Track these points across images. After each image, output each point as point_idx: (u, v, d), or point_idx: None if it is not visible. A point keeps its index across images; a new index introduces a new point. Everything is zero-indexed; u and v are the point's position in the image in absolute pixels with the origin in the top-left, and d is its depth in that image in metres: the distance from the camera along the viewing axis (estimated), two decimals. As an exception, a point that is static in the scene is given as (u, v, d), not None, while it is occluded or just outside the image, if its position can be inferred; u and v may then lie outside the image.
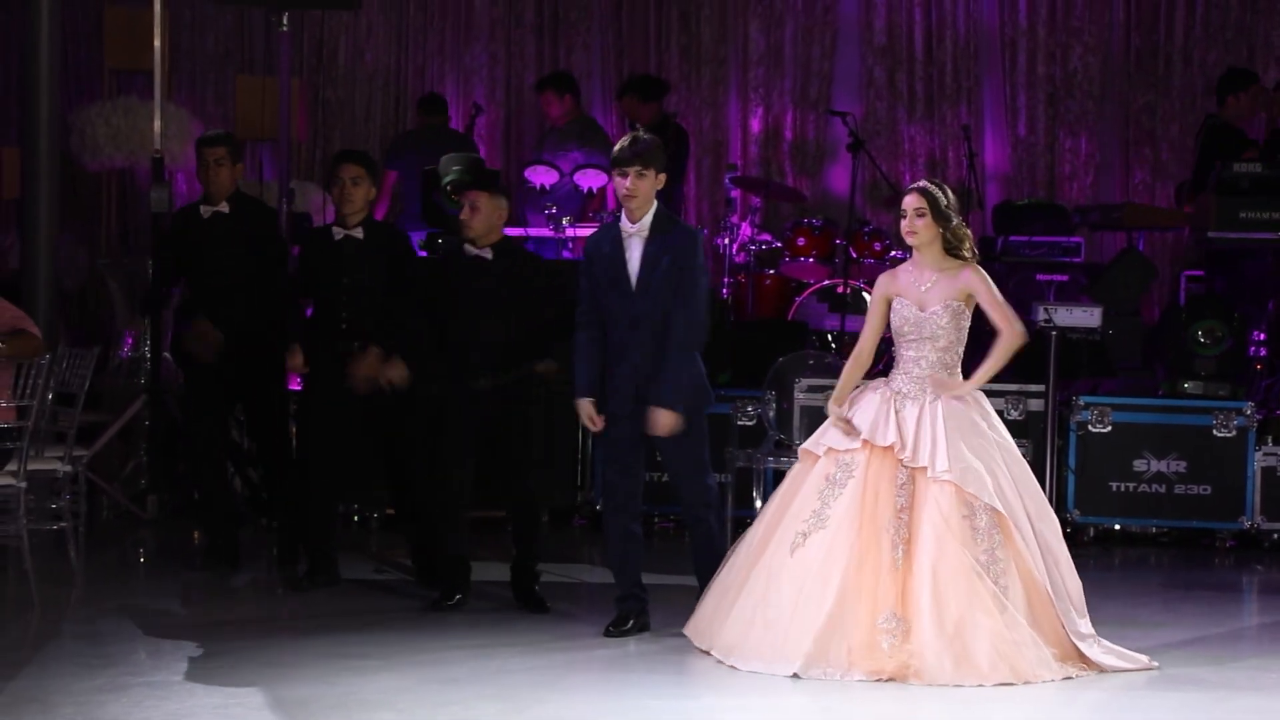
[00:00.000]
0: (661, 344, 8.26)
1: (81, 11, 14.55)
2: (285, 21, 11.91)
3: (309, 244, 9.84)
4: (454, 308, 8.94)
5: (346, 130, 14.78)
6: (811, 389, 11.01)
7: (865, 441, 7.78)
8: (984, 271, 7.99)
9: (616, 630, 8.39)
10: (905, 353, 7.96)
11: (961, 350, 7.96)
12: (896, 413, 7.81)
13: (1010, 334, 7.88)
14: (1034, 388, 11.47)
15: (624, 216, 8.38)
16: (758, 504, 10.68)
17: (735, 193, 13.92)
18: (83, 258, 13.91)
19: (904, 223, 7.98)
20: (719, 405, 11.43)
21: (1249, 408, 11.53)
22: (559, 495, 11.64)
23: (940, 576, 7.52)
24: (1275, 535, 11.56)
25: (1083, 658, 7.69)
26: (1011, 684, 7.42)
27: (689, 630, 8.13)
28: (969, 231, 8.03)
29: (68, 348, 10.04)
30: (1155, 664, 7.86)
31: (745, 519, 10.79)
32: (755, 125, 14.96)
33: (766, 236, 13.64)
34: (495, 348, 8.87)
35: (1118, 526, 11.74)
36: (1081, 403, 11.58)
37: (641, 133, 8.62)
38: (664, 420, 8.23)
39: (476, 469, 9.02)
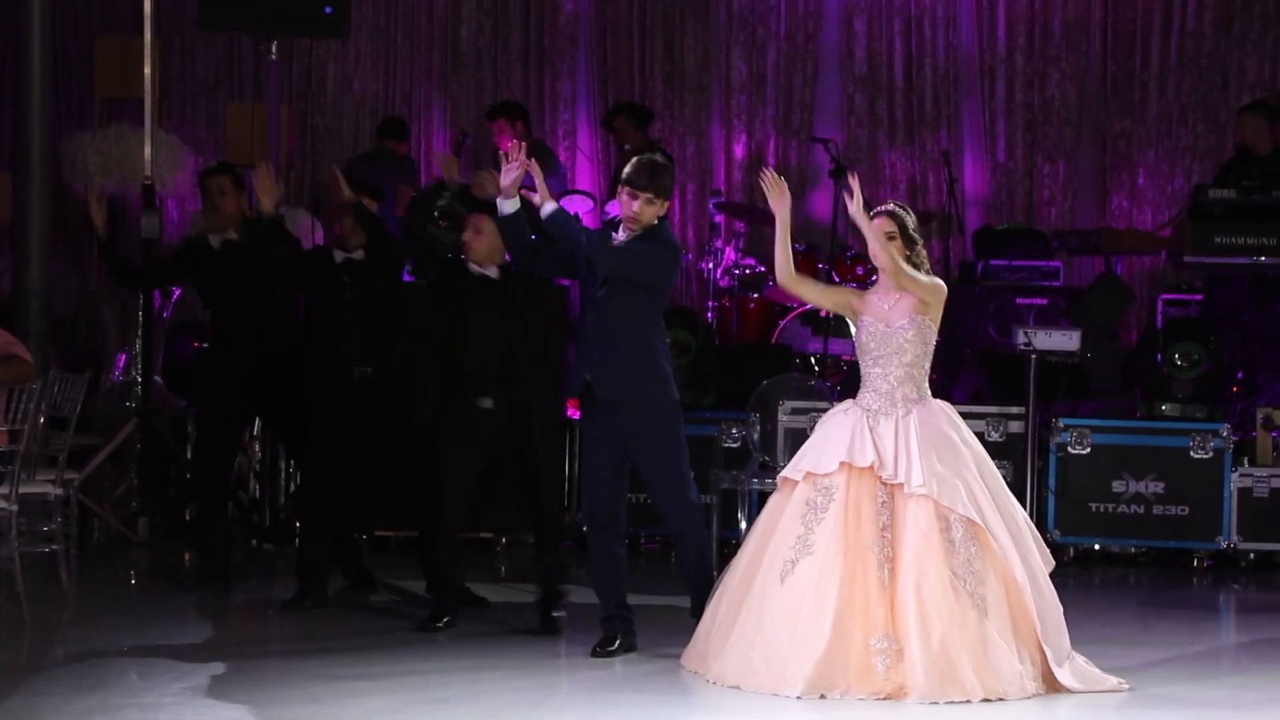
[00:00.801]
0: (619, 355, 8.35)
1: (73, 40, 14.64)
2: (274, 50, 12.01)
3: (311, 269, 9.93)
4: (460, 328, 9.03)
5: (335, 157, 14.82)
6: (795, 411, 11.10)
7: (844, 463, 7.81)
8: (941, 286, 8.07)
9: (603, 651, 8.45)
10: (872, 370, 8.03)
11: (928, 365, 8.05)
12: (871, 430, 7.86)
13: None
14: (1014, 410, 11.56)
15: (621, 230, 8.49)
16: (743, 525, 10.76)
17: (719, 218, 13.99)
18: (74, 283, 13.95)
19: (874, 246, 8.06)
20: (704, 427, 11.58)
21: (1225, 429, 11.61)
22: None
23: (923, 594, 7.58)
24: (1252, 555, 11.64)
25: (1054, 681, 7.74)
26: (997, 700, 7.50)
27: (686, 659, 8.16)
28: (926, 257, 8.15)
29: (59, 372, 10.08)
30: (1126, 685, 7.90)
31: (730, 540, 10.96)
32: (739, 151, 15.06)
33: (750, 261, 13.70)
34: (503, 367, 9.01)
35: (1097, 546, 11.82)
36: (1061, 425, 11.65)
37: (659, 158, 8.62)
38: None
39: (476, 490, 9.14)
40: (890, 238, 8.02)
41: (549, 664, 8.39)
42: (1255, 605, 10.81)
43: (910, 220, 8.11)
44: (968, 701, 7.46)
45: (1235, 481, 11.57)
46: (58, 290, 13.47)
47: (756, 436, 10.94)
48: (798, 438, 10.80)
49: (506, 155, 8.48)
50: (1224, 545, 11.59)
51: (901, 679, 7.53)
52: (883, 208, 8.17)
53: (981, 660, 7.55)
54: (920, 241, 8.09)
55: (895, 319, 8.00)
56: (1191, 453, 11.61)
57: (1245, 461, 11.66)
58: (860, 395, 8.05)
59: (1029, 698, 7.57)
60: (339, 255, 9.59)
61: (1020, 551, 7.78)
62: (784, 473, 8.04)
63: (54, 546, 9.68)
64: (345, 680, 7.88)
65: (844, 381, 12.80)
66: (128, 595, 10.48)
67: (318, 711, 7.32)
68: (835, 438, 7.91)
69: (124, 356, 12.53)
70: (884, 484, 7.78)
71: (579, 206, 13.37)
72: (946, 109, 14.97)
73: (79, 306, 13.98)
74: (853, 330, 8.21)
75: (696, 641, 8.10)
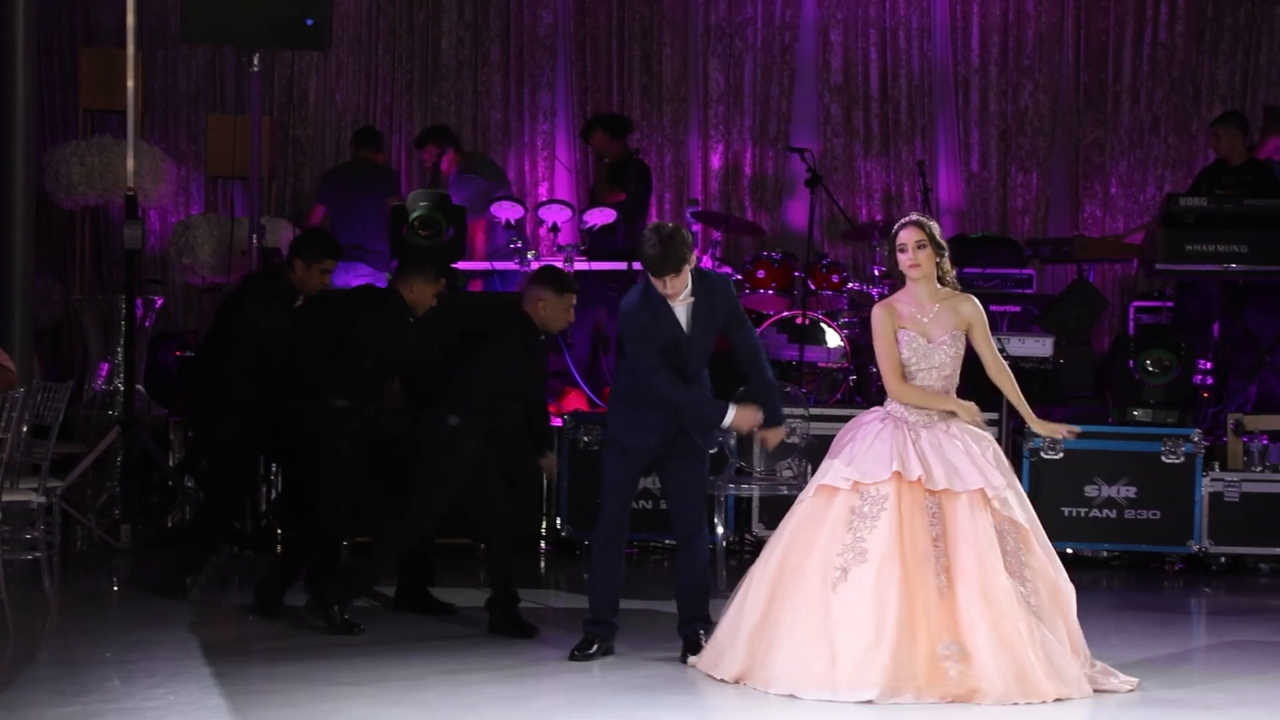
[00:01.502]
0: (696, 390, 8.50)
1: (56, 53, 14.70)
2: (256, 62, 12.06)
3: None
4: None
5: (316, 168, 14.91)
6: (771, 418, 11.19)
7: (895, 473, 7.82)
8: (980, 305, 8.14)
9: (581, 654, 8.51)
10: (909, 383, 8.05)
11: (958, 379, 8.10)
12: (914, 443, 7.89)
13: (1007, 370, 8.20)
14: (988, 415, 11.60)
15: (672, 302, 8.47)
16: (719, 529, 10.84)
17: (697, 227, 14.03)
18: (58, 293, 14.00)
19: (904, 256, 8.04)
20: (681, 434, 11.65)
21: (1196, 435, 11.71)
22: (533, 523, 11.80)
23: (990, 600, 7.63)
24: (1223, 559, 11.75)
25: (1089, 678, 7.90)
26: (1069, 699, 7.64)
27: (704, 664, 8.15)
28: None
29: (42, 381, 10.11)
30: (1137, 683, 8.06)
31: (707, 544, 11.03)
32: (716, 161, 15.16)
33: (727, 269, 13.75)
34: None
35: (1070, 550, 11.84)
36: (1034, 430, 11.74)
37: (663, 231, 8.44)
38: (777, 436, 8.65)
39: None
40: (920, 246, 8.03)
41: (530, 667, 8.45)
42: (1226, 608, 10.90)
43: (937, 228, 8.13)
44: (1043, 702, 7.57)
45: (1206, 486, 11.66)
46: (41, 300, 13.54)
47: (733, 442, 11.01)
48: (774, 444, 10.93)
49: None
50: (1195, 549, 11.68)
51: (974, 682, 7.59)
52: (908, 219, 8.16)
53: (1047, 663, 7.65)
54: (946, 249, 8.13)
55: (937, 334, 8.02)
56: (1163, 458, 11.70)
57: (1216, 466, 11.75)
58: (893, 405, 8.07)
59: (1086, 698, 7.73)
60: None
61: (1046, 560, 7.93)
62: (826, 479, 7.98)
63: (37, 554, 9.68)
64: (327, 685, 7.93)
65: (820, 388, 12.93)
66: (110, 602, 10.48)
67: (299, 716, 7.36)
68: (879, 448, 7.91)
69: (106, 365, 12.57)
70: (932, 495, 7.80)
71: (557, 215, 13.45)
72: (921, 119, 15.08)
73: (62, 316, 14.02)
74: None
75: (723, 642, 8.07)
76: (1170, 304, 13.48)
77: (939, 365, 8.03)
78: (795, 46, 15.19)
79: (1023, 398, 8.20)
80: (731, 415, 8.43)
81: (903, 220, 8.18)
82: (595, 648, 8.55)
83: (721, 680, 7.99)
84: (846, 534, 7.79)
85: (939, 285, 8.11)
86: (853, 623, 7.64)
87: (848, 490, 7.88)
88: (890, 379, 8.06)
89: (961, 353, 8.09)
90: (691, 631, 8.51)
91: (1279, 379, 12.73)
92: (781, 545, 8.02)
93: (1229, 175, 13.06)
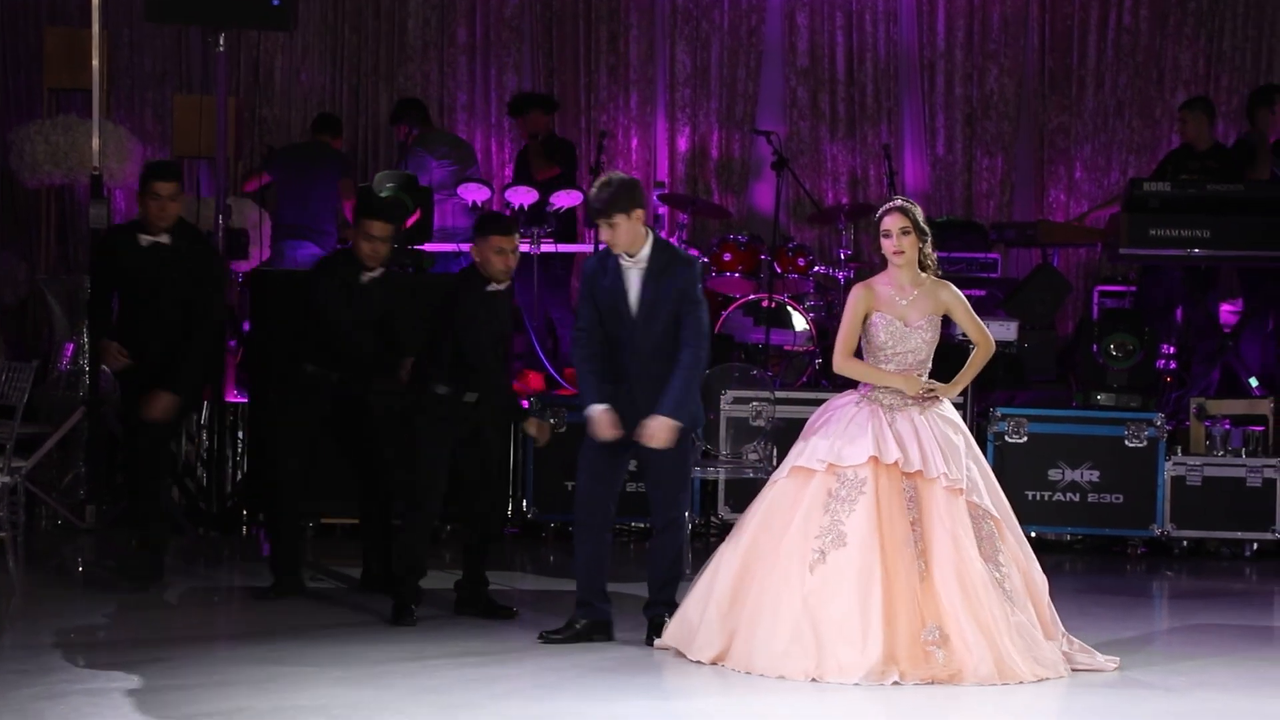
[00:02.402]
0: (657, 369, 8.35)
1: (20, 32, 14.66)
2: (222, 42, 12.03)
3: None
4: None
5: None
6: (737, 400, 11.22)
7: (872, 457, 7.86)
8: (958, 290, 8.21)
9: (548, 635, 8.51)
10: (885, 366, 8.08)
11: (930, 364, 8.14)
12: (890, 426, 7.93)
13: (987, 344, 8.21)
14: (953, 399, 11.67)
15: (623, 259, 8.42)
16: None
17: (663, 209, 14.07)
18: (22, 273, 13.95)
19: (888, 242, 8.07)
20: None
21: (1159, 419, 11.76)
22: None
23: (966, 583, 7.69)
24: (1185, 542, 11.81)
25: (1065, 656, 8.00)
26: (1048, 679, 7.76)
27: (672, 640, 8.16)
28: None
29: (7, 361, 10.10)
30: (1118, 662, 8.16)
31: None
32: (682, 144, 15.17)
33: (693, 252, 13.78)
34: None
35: (1034, 534, 11.81)
36: (998, 414, 11.77)
37: (606, 180, 8.41)
38: (661, 430, 8.29)
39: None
40: (905, 232, 8.06)
41: (495, 650, 8.42)
42: (1187, 591, 10.99)
43: (920, 213, 8.15)
44: (1020, 683, 7.66)
45: (1169, 470, 11.72)
46: (5, 279, 13.53)
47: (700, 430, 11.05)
48: (739, 426, 10.98)
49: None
50: (1158, 533, 11.74)
51: (956, 665, 7.65)
52: (892, 204, 8.19)
53: (1024, 647, 7.72)
54: (929, 234, 8.15)
55: (914, 318, 8.06)
56: (1126, 442, 11.76)
57: (1179, 450, 11.81)
58: (868, 391, 8.09)
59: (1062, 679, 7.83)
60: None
61: (1018, 545, 7.98)
62: (800, 461, 8.00)
63: (1, 535, 9.70)
64: (290, 666, 7.94)
65: (786, 371, 12.96)
66: (75, 583, 10.43)
67: (263, 698, 7.37)
68: (855, 430, 7.94)
69: (71, 345, 12.55)
70: (908, 478, 7.85)
71: (524, 197, 13.43)
72: (887, 103, 15.11)
73: (26, 295, 13.99)
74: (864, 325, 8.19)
75: (691, 622, 8.08)
76: (1134, 289, 13.53)
77: (914, 349, 8.07)
78: (762, 29, 15.20)
79: (974, 373, 8.26)
80: (591, 412, 8.43)
81: (887, 205, 8.20)
82: (576, 628, 8.51)
83: (698, 661, 8.01)
84: (824, 516, 7.82)
85: (920, 271, 8.15)
86: (835, 607, 7.68)
87: (824, 472, 7.90)
88: (837, 353, 8.17)
89: (936, 338, 8.14)
90: (657, 614, 8.51)
91: (1241, 363, 12.80)
92: (753, 526, 8.05)
93: (1194, 160, 13.11)
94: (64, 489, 12.07)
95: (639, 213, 8.34)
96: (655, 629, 8.45)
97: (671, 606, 8.46)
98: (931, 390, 8.06)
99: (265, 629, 8.78)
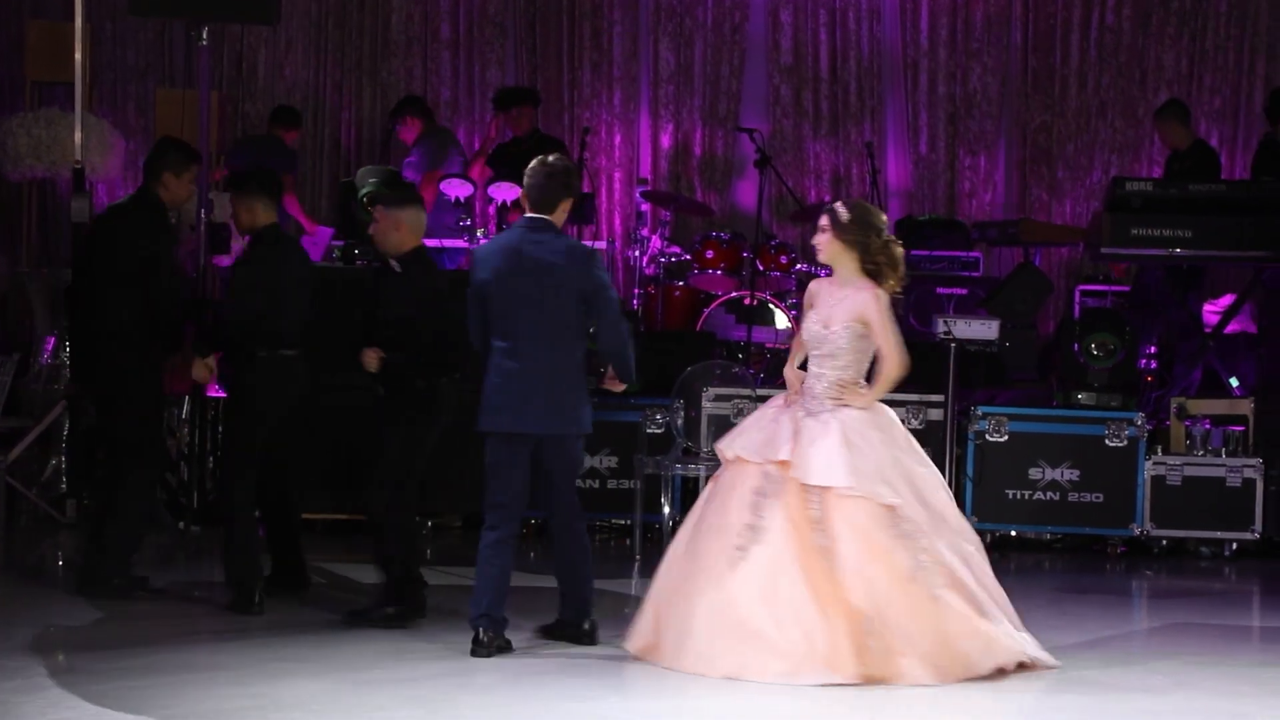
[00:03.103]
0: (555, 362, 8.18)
1: (3, 25, 14.62)
2: (205, 36, 12.01)
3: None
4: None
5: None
6: (719, 398, 11.26)
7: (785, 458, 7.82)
8: (884, 297, 7.96)
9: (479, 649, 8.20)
10: (811, 367, 8.02)
11: (862, 371, 7.98)
12: (795, 427, 7.87)
13: (892, 364, 7.93)
14: (933, 398, 11.69)
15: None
16: (665, 509, 10.91)
17: (645, 206, 14.07)
18: (4, 266, 13.92)
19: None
20: (628, 413, 11.70)
21: (1139, 418, 11.80)
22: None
23: (873, 581, 7.62)
24: (1164, 541, 11.86)
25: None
26: (1010, 665, 7.75)
27: (635, 648, 8.07)
28: (897, 254, 7.97)
29: (-11, 354, 10.10)
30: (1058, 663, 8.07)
31: (654, 524, 11.11)
32: (665, 141, 15.17)
33: (676, 249, 13.81)
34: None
35: (1014, 532, 11.97)
36: (979, 413, 11.80)
37: (554, 166, 8.29)
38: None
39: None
40: (822, 230, 8.00)
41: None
42: (1167, 591, 11.03)
43: (846, 216, 7.99)
44: (982, 677, 7.67)
45: (1149, 469, 11.75)
46: (-12, 272, 13.52)
47: (680, 422, 11.09)
48: (721, 424, 10.99)
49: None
50: (1137, 532, 11.78)
51: (896, 660, 7.59)
52: (828, 204, 8.16)
53: (955, 636, 7.67)
54: (867, 237, 7.95)
55: (833, 322, 7.97)
56: (1106, 441, 11.79)
57: (1159, 450, 11.86)
58: (804, 388, 8.04)
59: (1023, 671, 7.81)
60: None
61: (948, 540, 7.85)
62: (717, 444, 8.08)
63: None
64: (271, 663, 7.92)
65: (767, 369, 12.98)
66: (55, 577, 10.46)
67: (243, 694, 7.36)
68: (773, 429, 7.93)
69: (53, 339, 12.53)
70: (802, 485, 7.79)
71: (507, 194, 13.42)
72: (870, 101, 15.13)
73: (7, 289, 13.94)
74: None
75: (648, 624, 8.04)
76: (1116, 288, 13.56)
77: (831, 354, 7.95)
78: (745, 26, 15.21)
79: (880, 394, 8.02)
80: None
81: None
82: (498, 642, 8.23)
83: (628, 652, 8.03)
84: (749, 514, 7.79)
85: (864, 274, 7.99)
86: (762, 603, 7.65)
87: (755, 469, 7.87)
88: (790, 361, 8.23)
89: (864, 348, 7.97)
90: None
91: (1222, 363, 12.83)
92: (691, 520, 8.07)
93: (1177, 161, 13.26)
94: (44, 483, 12.04)
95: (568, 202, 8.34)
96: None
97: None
98: (840, 399, 7.94)
99: (245, 625, 8.77)
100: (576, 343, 8.23)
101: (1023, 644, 7.89)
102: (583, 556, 8.37)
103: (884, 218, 8.18)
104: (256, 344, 9.02)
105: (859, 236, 7.96)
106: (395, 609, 8.82)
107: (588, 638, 8.33)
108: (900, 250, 8.01)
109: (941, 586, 7.68)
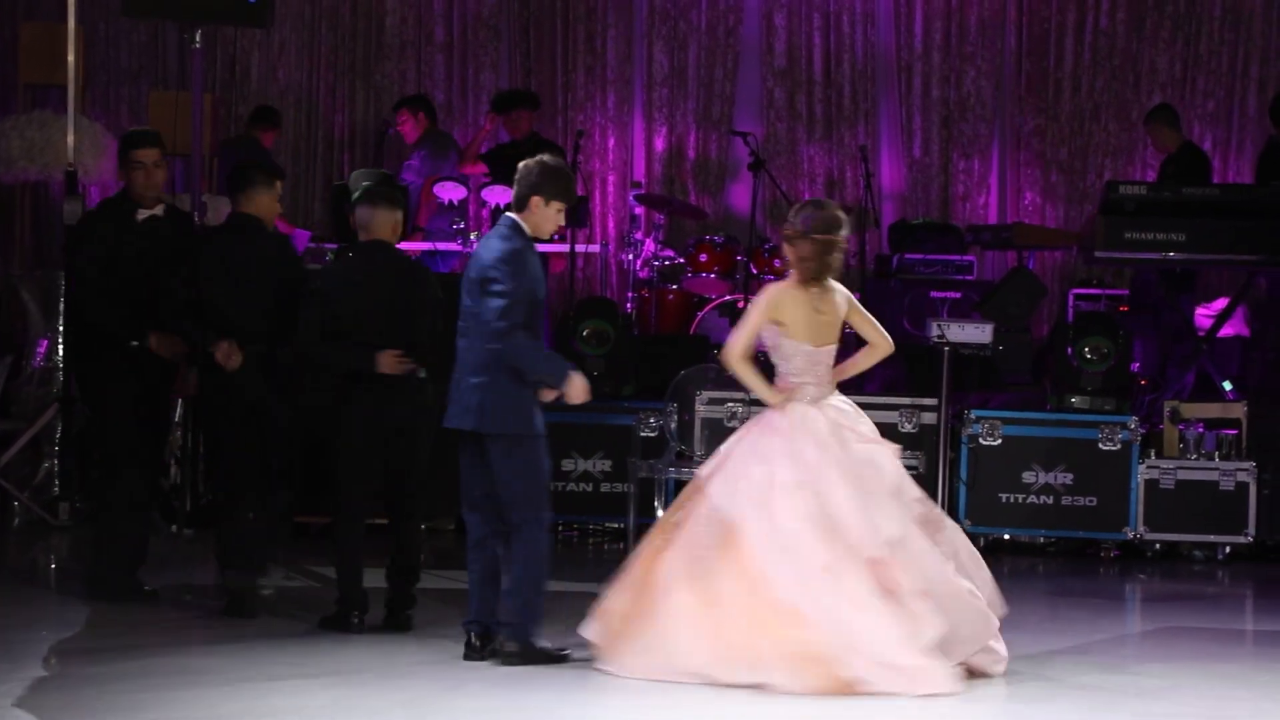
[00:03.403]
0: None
1: (-3, 26, 14.66)
2: (198, 38, 12.01)
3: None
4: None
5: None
6: (712, 401, 11.25)
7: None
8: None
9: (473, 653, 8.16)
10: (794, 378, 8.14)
11: (784, 370, 8.08)
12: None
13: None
14: (927, 401, 11.71)
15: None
16: (659, 512, 10.89)
17: (639, 210, 14.10)
18: (-3, 268, 14.02)
19: None
20: (622, 416, 11.70)
21: (1133, 422, 11.79)
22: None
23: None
24: (1158, 545, 11.87)
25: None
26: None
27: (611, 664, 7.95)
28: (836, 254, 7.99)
29: (-20, 357, 10.07)
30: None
31: (646, 527, 11.03)
32: (659, 144, 15.18)
33: (669, 253, 13.82)
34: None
35: (1007, 536, 11.97)
36: (973, 416, 11.81)
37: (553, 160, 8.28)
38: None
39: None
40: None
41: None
42: (1160, 595, 11.04)
43: (794, 225, 7.99)
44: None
45: (1142, 473, 11.75)
46: (-21, 275, 13.51)
47: (674, 426, 11.07)
48: (714, 427, 11.01)
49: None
50: (1131, 536, 11.78)
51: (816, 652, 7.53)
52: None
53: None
54: (818, 241, 7.93)
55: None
56: (1100, 444, 11.79)
57: (1152, 454, 11.85)
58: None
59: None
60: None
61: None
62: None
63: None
64: (265, 666, 7.92)
65: (760, 371, 12.96)
66: (48, 580, 10.45)
67: (235, 698, 7.37)
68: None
69: (46, 341, 12.52)
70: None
71: (500, 196, 13.41)
72: (864, 104, 15.14)
73: (1, 292, 13.97)
74: None
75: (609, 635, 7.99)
76: (1110, 291, 13.57)
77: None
78: (739, 30, 15.21)
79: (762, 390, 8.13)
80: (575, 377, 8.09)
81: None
82: (488, 647, 8.16)
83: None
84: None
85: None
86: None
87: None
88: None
89: (783, 348, 8.05)
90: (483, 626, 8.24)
91: (1216, 367, 12.84)
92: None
93: (1170, 164, 13.31)
94: (37, 486, 12.03)
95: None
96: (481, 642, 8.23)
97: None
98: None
99: (238, 629, 8.75)
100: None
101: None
102: None
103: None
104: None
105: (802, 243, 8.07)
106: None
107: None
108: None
109: (717, 591, 7.67)
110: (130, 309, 9.17)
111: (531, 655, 8.01)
